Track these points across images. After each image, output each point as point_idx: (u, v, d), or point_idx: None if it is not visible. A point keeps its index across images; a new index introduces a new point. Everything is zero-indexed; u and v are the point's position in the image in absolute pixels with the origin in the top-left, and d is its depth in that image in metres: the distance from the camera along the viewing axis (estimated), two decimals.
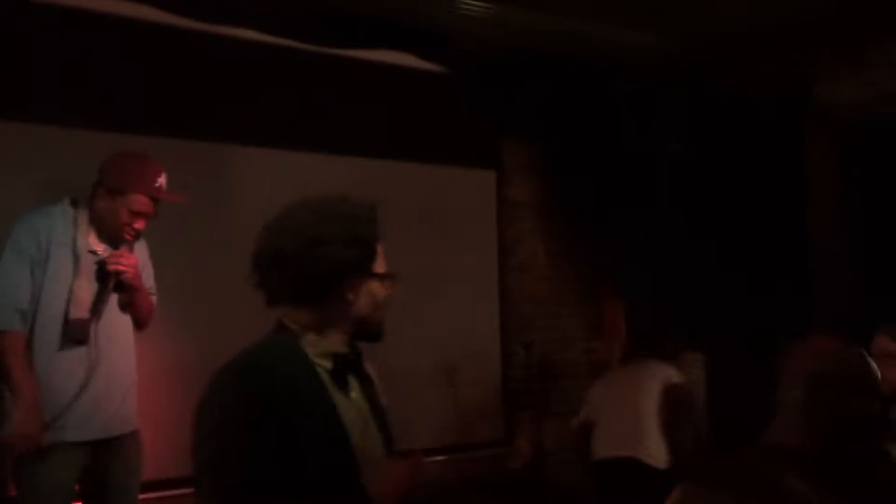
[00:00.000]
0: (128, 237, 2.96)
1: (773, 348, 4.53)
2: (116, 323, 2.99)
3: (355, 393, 1.78)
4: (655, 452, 3.95)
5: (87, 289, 2.88)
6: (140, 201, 2.94)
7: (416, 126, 4.61)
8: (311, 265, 1.68)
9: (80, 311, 2.84)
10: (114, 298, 2.98)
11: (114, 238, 2.96)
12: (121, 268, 2.91)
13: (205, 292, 3.83)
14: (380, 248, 1.80)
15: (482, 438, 4.86)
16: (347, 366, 1.78)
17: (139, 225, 2.98)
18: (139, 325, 3.12)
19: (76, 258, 2.88)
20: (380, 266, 1.80)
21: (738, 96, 5.02)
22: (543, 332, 5.08)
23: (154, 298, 3.18)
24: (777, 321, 4.64)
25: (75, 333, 2.83)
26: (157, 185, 2.97)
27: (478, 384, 4.85)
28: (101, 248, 2.95)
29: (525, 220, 5.14)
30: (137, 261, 3.01)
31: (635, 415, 4.02)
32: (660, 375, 4.13)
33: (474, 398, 4.83)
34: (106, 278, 2.91)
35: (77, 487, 2.93)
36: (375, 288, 1.79)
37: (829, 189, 4.71)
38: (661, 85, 5.13)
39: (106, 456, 2.95)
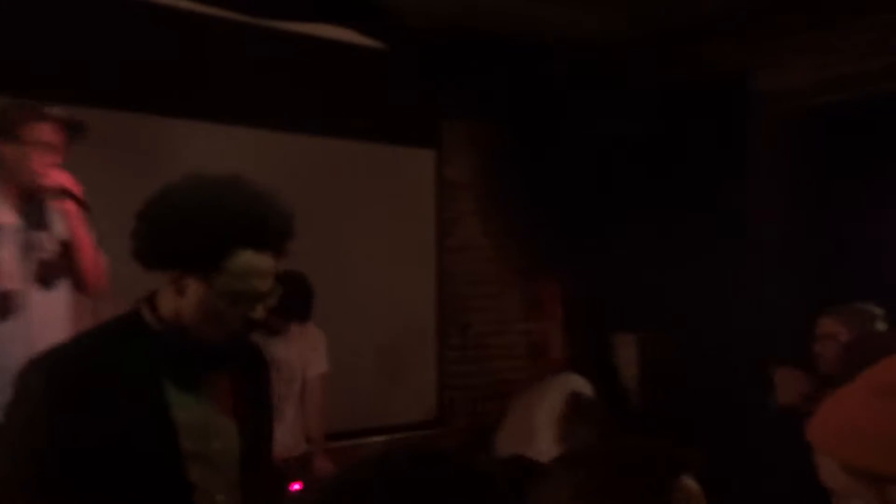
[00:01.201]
0: (45, 182, 2.63)
1: (705, 333, 4.63)
2: (58, 296, 2.80)
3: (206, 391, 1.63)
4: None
5: (9, 260, 2.68)
6: (41, 130, 2.65)
7: (354, 103, 4.52)
8: (147, 239, 1.55)
9: (5, 282, 2.67)
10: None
11: (27, 194, 2.68)
12: (59, 181, 2.63)
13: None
14: (241, 263, 1.55)
15: (416, 419, 4.86)
16: (204, 361, 1.61)
17: (52, 160, 2.65)
18: (85, 287, 2.82)
19: None
20: (229, 282, 1.55)
21: (682, 80, 5.05)
22: (481, 314, 5.08)
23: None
24: (713, 305, 4.74)
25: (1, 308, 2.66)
26: (50, 111, 2.69)
27: (413, 365, 4.84)
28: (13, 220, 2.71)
29: (464, 201, 5.11)
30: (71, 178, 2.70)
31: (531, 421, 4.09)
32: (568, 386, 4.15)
33: (409, 379, 4.82)
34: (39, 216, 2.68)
35: None
36: (205, 295, 1.55)
37: (768, 175, 4.77)
38: (605, 68, 5.13)
39: None
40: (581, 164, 5.18)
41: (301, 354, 3.83)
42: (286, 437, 3.74)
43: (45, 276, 2.80)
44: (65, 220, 2.74)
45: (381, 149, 4.71)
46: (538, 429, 4.00)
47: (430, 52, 4.73)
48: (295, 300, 3.59)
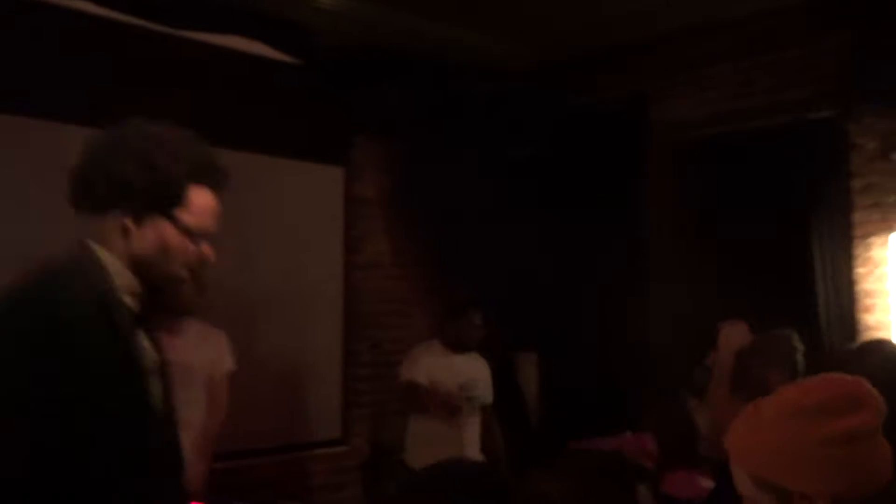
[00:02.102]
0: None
1: (609, 350, 4.76)
2: None
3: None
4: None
5: None
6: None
7: (264, 117, 4.47)
8: (96, 172, 1.51)
9: None
10: None
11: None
12: None
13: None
14: (197, 200, 1.55)
15: (320, 437, 4.80)
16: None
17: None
18: None
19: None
20: (188, 218, 1.54)
21: (587, 106, 5.23)
22: (388, 331, 5.08)
23: None
24: (614, 324, 4.89)
25: None
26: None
27: (318, 382, 4.79)
28: None
29: (372, 218, 5.12)
30: None
31: None
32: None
33: (313, 397, 4.77)
34: None
35: None
36: (168, 233, 1.52)
37: (665, 201, 4.97)
38: (514, 90, 5.26)
39: None
40: (485, 185, 5.26)
41: (204, 355, 3.63)
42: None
43: None
44: None
45: (290, 164, 4.67)
46: None
47: (340, 69, 4.74)
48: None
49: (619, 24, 4.57)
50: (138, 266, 1.52)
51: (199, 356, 3.53)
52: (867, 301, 4.04)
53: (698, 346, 3.75)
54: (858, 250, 4.08)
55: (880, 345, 2.81)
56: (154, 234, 1.52)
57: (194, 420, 3.43)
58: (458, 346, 4.24)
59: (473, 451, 4.16)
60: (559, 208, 5.17)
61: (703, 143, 4.79)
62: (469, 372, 4.24)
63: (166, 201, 1.53)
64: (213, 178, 1.58)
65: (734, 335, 3.02)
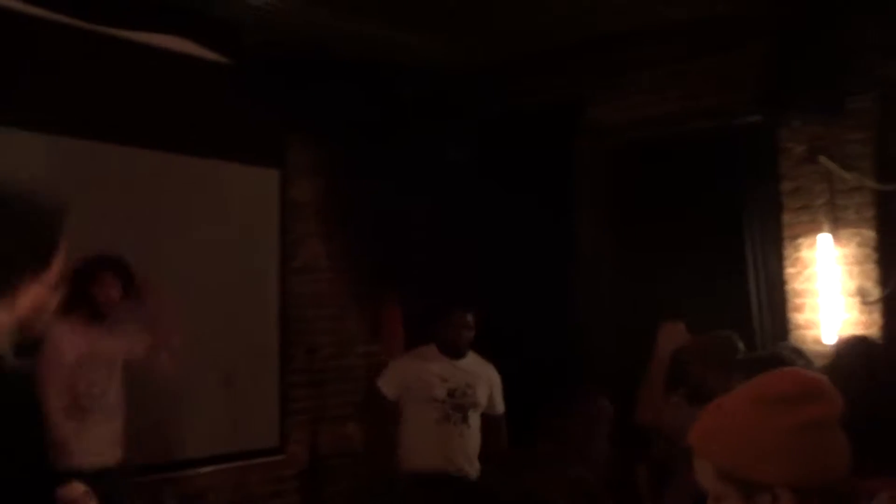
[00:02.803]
0: None
1: (543, 350, 4.79)
2: None
3: None
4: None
5: None
6: None
7: (198, 119, 4.37)
8: None
9: None
10: None
11: None
12: None
13: None
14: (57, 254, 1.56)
15: (256, 446, 4.70)
16: None
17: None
18: None
19: None
20: (53, 275, 1.55)
21: (519, 108, 5.26)
22: (323, 336, 5.01)
23: None
24: (546, 323, 4.92)
25: None
26: None
27: (253, 389, 4.68)
28: None
29: (307, 222, 5.04)
30: None
31: None
32: None
33: (249, 404, 4.66)
34: None
35: None
36: (41, 296, 1.54)
37: (596, 203, 5.04)
38: (448, 92, 5.24)
39: None
40: (420, 187, 5.24)
41: (123, 340, 3.59)
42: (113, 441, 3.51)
43: None
44: None
45: (225, 166, 4.57)
46: None
47: (274, 70, 4.65)
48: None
49: (551, 28, 4.61)
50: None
51: (117, 342, 3.53)
52: (797, 300, 4.15)
53: (634, 345, 3.80)
54: (788, 251, 4.19)
55: (850, 342, 2.87)
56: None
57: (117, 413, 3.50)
58: (450, 350, 4.07)
59: (465, 460, 4.01)
60: (493, 210, 5.19)
61: (633, 146, 4.87)
62: (462, 378, 4.05)
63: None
64: None
65: (673, 335, 3.07)
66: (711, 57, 4.47)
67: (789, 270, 4.18)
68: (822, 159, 4.08)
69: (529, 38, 4.77)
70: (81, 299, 3.34)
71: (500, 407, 4.22)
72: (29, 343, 1.52)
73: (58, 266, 1.55)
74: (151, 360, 3.61)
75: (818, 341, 4.00)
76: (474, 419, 4.06)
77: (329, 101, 4.84)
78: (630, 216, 4.88)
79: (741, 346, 3.02)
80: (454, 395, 4.00)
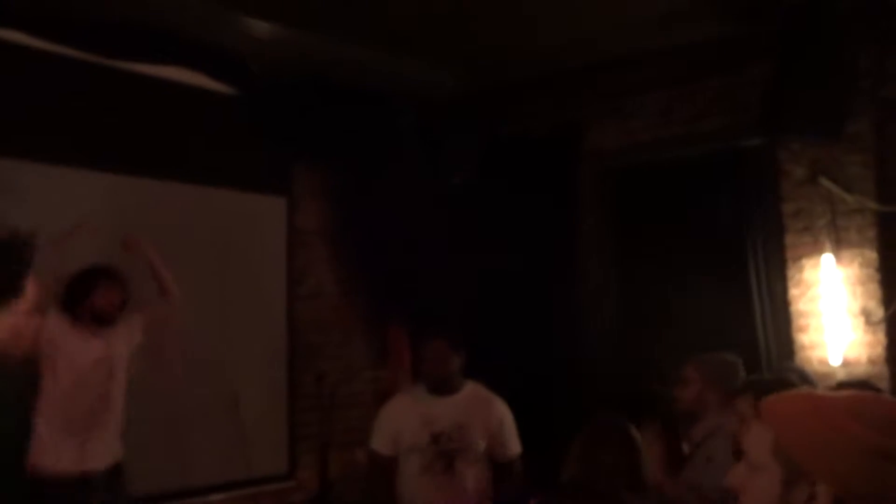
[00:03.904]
0: None
1: (549, 376, 4.79)
2: None
3: None
4: None
5: None
6: None
7: (204, 148, 4.43)
8: None
9: None
10: None
11: None
12: None
13: None
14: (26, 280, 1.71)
15: (265, 472, 4.71)
16: None
17: None
18: None
19: None
20: (26, 300, 1.70)
21: (520, 134, 5.32)
22: (331, 362, 5.03)
23: None
24: (551, 349, 4.94)
25: None
26: None
27: (262, 415, 4.70)
28: None
29: (314, 248, 5.08)
30: None
31: None
32: None
33: (258, 430, 4.67)
34: None
35: None
36: (15, 323, 1.68)
37: (595, 227, 5.07)
38: (451, 119, 5.30)
39: None
40: (428, 211, 5.28)
41: (128, 346, 3.65)
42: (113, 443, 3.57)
43: None
44: None
45: (232, 195, 4.61)
46: None
47: (280, 99, 4.71)
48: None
49: (552, 53, 4.68)
50: None
51: (122, 348, 3.62)
52: (801, 321, 4.18)
53: (639, 370, 3.81)
54: (792, 272, 4.22)
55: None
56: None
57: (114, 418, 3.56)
58: (434, 386, 3.50)
59: None
60: (494, 235, 5.22)
61: (634, 170, 4.91)
62: (450, 418, 3.43)
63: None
64: None
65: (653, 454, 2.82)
66: (712, 80, 4.54)
67: (793, 291, 4.21)
68: (823, 181, 4.12)
69: (531, 64, 4.84)
70: (84, 308, 3.45)
71: (511, 448, 3.56)
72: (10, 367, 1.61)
73: (31, 293, 1.64)
74: (154, 365, 3.73)
75: (824, 362, 4.03)
76: (466, 467, 3.42)
77: (332, 128, 4.90)
78: (632, 240, 4.91)
79: (743, 372, 3.04)
80: (439, 440, 3.41)
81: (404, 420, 3.49)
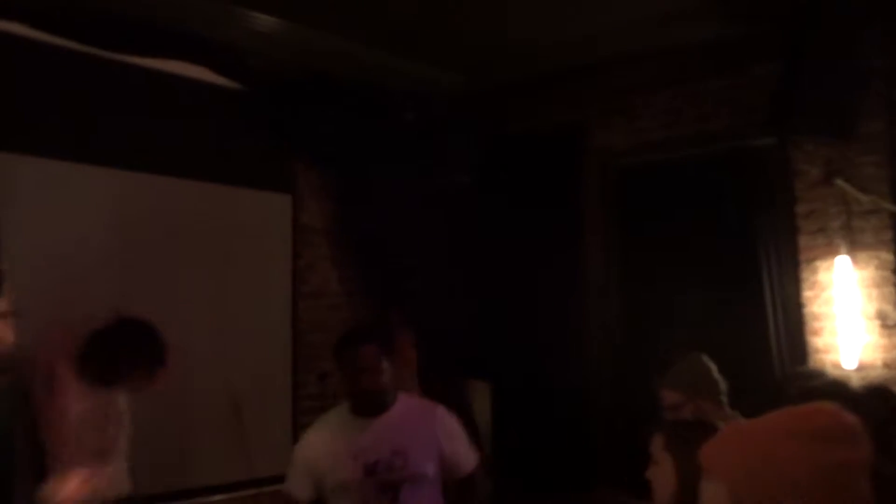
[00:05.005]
0: None
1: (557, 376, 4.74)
2: None
3: None
4: None
5: None
6: None
7: (209, 144, 4.37)
8: None
9: None
10: None
11: None
12: None
13: None
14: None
15: (267, 473, 4.63)
16: None
17: None
18: None
19: None
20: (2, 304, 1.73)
21: (524, 133, 5.26)
22: (334, 361, 4.96)
23: None
24: (556, 351, 4.88)
25: None
26: None
27: (266, 416, 4.64)
28: None
29: (318, 247, 5.02)
30: None
31: None
32: None
33: (261, 431, 4.61)
34: None
35: None
36: None
37: (599, 227, 5.01)
38: (454, 117, 5.25)
39: None
40: (431, 210, 5.23)
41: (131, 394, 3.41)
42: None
43: None
44: None
45: (236, 192, 4.55)
46: None
47: (284, 95, 4.66)
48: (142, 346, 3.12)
49: (558, 51, 4.63)
50: None
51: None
52: (815, 324, 4.11)
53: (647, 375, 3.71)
54: (805, 274, 4.16)
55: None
56: None
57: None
58: (358, 406, 2.89)
59: None
60: (500, 235, 5.16)
61: (642, 170, 4.84)
62: (385, 442, 2.83)
63: None
64: None
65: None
66: (722, 79, 4.47)
67: (807, 294, 4.15)
68: (838, 182, 4.05)
69: (536, 62, 4.79)
70: (102, 360, 3.10)
71: (466, 462, 2.99)
72: None
73: (6, 295, 1.62)
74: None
75: (837, 366, 3.96)
76: (415, 497, 2.84)
77: (332, 126, 4.83)
78: (640, 242, 4.83)
79: (713, 365, 2.92)
80: (375, 471, 2.80)
81: (327, 455, 2.85)
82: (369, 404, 2.86)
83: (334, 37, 4.33)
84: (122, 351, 3.13)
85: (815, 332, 4.11)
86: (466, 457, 3.00)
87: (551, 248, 5.03)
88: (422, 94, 5.05)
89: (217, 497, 4.35)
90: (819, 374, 3.38)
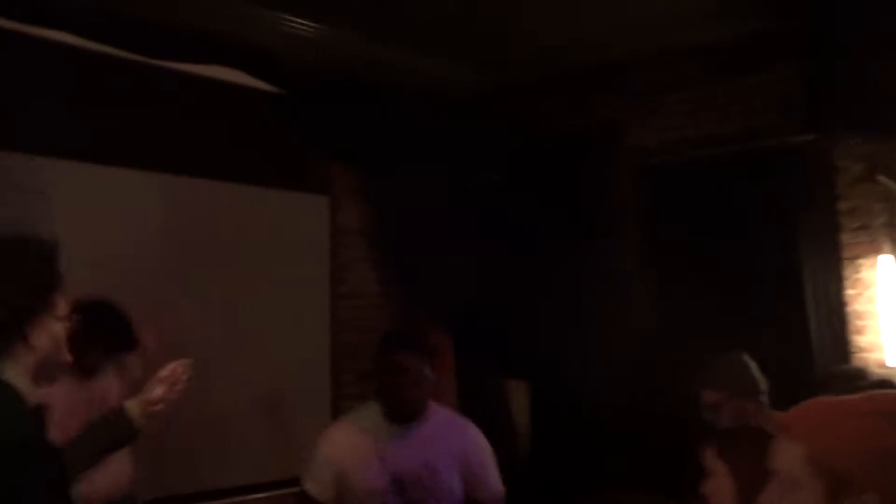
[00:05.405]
0: None
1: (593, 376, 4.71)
2: None
3: None
4: None
5: None
6: None
7: (246, 147, 4.42)
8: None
9: None
10: None
11: None
12: None
13: None
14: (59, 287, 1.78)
15: None
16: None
17: None
18: None
19: None
20: (61, 306, 1.78)
21: (557, 133, 5.23)
22: (371, 362, 4.99)
23: None
24: (588, 351, 4.84)
25: None
26: None
27: (305, 415, 4.68)
28: None
29: (355, 248, 5.05)
30: None
31: None
32: None
33: (300, 430, 4.65)
34: None
35: None
36: (56, 329, 1.77)
37: (632, 227, 4.96)
38: (483, 118, 5.25)
39: None
40: (464, 210, 5.23)
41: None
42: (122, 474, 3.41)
43: None
44: None
45: (274, 194, 4.61)
46: None
47: (320, 97, 4.69)
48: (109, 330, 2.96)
49: (586, 51, 4.59)
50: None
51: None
52: (858, 323, 4.04)
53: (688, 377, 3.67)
54: (848, 272, 4.09)
55: None
56: (49, 335, 1.74)
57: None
58: (391, 412, 2.74)
59: None
60: (534, 235, 5.14)
61: (671, 168, 4.78)
62: (415, 455, 2.70)
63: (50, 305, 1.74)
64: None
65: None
66: (761, 75, 4.41)
67: (849, 292, 4.08)
68: (881, 178, 3.98)
69: (563, 61, 4.76)
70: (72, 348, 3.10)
71: (492, 488, 2.85)
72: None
73: (63, 301, 1.66)
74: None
75: (882, 364, 3.89)
76: None
77: (369, 127, 4.85)
78: (674, 241, 4.76)
79: (753, 364, 2.88)
80: (403, 486, 2.68)
81: (354, 457, 2.72)
82: (403, 412, 2.73)
83: (367, 39, 4.36)
84: (86, 337, 3.07)
85: (859, 331, 4.03)
86: (494, 484, 2.86)
87: (582, 247, 5.00)
88: (453, 94, 5.06)
89: (256, 496, 4.40)
90: (863, 373, 3.33)
